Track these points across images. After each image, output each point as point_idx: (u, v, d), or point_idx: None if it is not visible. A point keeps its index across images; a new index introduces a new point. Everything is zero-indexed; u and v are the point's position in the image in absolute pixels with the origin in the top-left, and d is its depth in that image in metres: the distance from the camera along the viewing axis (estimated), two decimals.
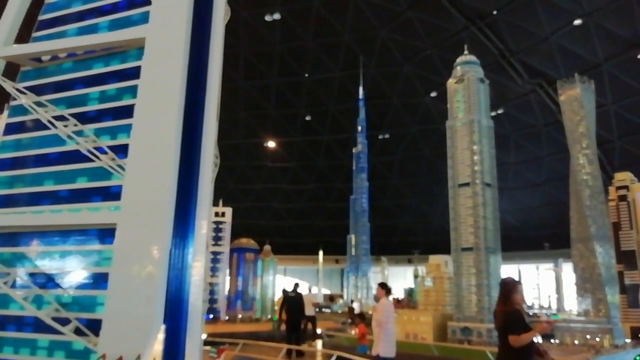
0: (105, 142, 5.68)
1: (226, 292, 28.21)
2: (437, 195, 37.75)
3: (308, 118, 45.84)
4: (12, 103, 6.16)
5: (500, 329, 5.69)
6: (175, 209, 5.25)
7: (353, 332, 16.96)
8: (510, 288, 5.73)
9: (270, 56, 41.48)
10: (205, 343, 6.35)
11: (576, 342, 17.98)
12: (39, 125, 5.93)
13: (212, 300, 25.69)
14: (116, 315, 4.96)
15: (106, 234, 5.36)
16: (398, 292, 40.64)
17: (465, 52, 22.96)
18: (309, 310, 17.32)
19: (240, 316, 27.59)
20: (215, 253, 26.49)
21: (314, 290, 41.33)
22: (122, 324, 4.91)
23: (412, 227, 47.83)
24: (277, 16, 35.34)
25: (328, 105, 44.79)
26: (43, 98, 5.99)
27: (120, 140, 5.65)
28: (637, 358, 14.82)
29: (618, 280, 20.75)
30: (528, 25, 32.47)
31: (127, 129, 5.60)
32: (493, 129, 21.49)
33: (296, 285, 15.06)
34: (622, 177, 22.56)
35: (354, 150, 39.18)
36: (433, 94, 38.83)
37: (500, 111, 36.06)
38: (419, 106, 42.38)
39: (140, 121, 5.53)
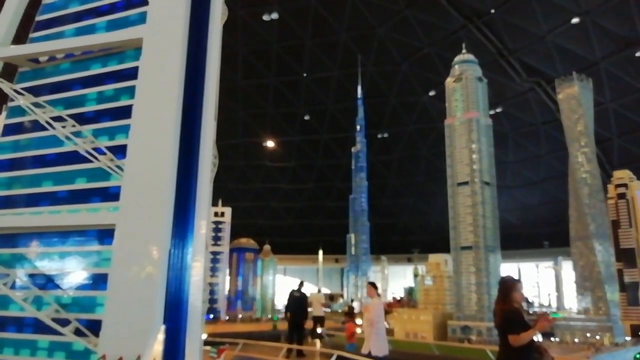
0: (104, 142, 5.67)
1: (226, 292, 28.19)
2: (436, 194, 37.80)
3: (307, 117, 45.83)
4: (10, 104, 6.15)
5: (500, 328, 5.71)
6: (174, 209, 5.25)
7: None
8: (509, 286, 5.74)
9: (268, 55, 41.47)
10: (206, 343, 6.35)
11: (576, 340, 18.00)
12: (37, 126, 5.92)
13: (212, 300, 25.68)
14: (116, 315, 4.97)
15: (105, 234, 5.36)
16: (398, 291, 40.72)
17: (463, 50, 22.97)
18: (318, 311, 17.39)
19: (240, 316, 27.59)
20: (214, 253, 26.48)
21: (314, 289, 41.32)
22: (122, 324, 4.91)
23: (412, 226, 47.87)
24: (274, 15, 35.32)
25: (327, 104, 44.80)
26: (41, 99, 5.98)
27: (119, 140, 5.64)
28: (637, 356, 14.82)
29: (618, 278, 20.77)
30: (526, 23, 32.51)
31: (125, 129, 5.60)
32: (492, 127, 21.50)
33: (301, 284, 15.10)
34: (621, 175, 22.57)
35: (352, 149, 39.19)
36: (431, 93, 38.86)
37: (498, 110, 36.09)
38: (417, 105, 42.41)
39: (139, 122, 5.53)
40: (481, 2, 32.49)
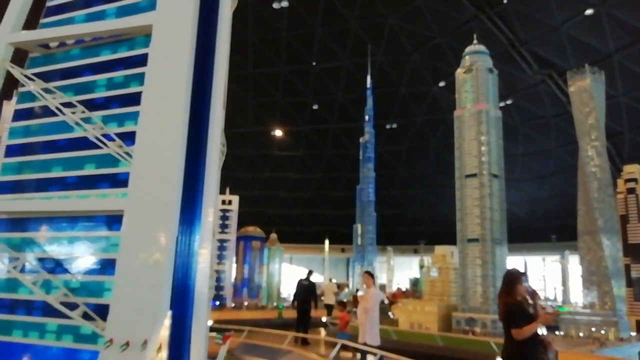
0: (113, 129, 5.71)
1: (232, 280, 28.43)
2: (444, 185, 37.65)
3: (316, 107, 45.68)
4: (21, 89, 6.20)
5: (504, 321, 5.72)
6: (182, 196, 5.29)
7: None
8: (513, 279, 5.73)
9: (278, 44, 41.26)
10: (211, 329, 6.43)
11: (581, 334, 17.97)
12: (47, 111, 5.97)
13: (218, 288, 25.91)
14: (123, 300, 5.04)
15: (114, 220, 5.41)
16: (403, 282, 40.81)
17: (475, 41, 22.72)
18: (330, 299, 17.56)
19: (246, 303, 27.83)
20: (221, 241, 26.66)
21: (320, 278, 41.57)
22: (129, 309, 4.98)
23: (419, 218, 47.79)
24: (284, 3, 35.09)
25: (336, 94, 44.59)
26: (51, 85, 6.02)
27: (128, 127, 5.68)
28: None
29: (624, 273, 20.66)
30: (539, 14, 32.01)
31: (134, 116, 5.62)
32: (501, 119, 21.32)
33: (309, 272, 15.31)
34: (631, 169, 22.35)
35: (361, 139, 39.06)
36: (441, 84, 38.50)
37: (509, 102, 35.73)
38: (426, 96, 42.09)
39: (148, 108, 5.55)
40: None
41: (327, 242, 42.73)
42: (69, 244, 5.58)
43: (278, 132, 47.79)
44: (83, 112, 5.78)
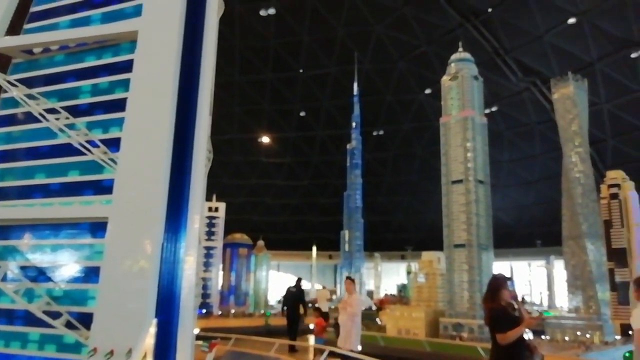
0: (97, 135, 5.64)
1: (219, 287, 28.20)
2: (430, 192, 37.88)
3: (302, 114, 45.75)
4: (3, 95, 6.11)
5: (489, 326, 5.75)
6: (167, 203, 5.24)
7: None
8: (498, 284, 5.76)
9: (265, 51, 41.34)
10: (198, 338, 6.35)
11: (566, 338, 18.15)
12: (30, 118, 5.88)
13: (205, 295, 25.70)
14: (108, 308, 4.95)
15: (98, 227, 5.34)
16: (391, 289, 40.86)
17: (460, 49, 23.03)
18: (323, 306, 17.47)
19: (233, 311, 27.62)
20: (208, 248, 26.47)
21: (307, 285, 41.40)
22: (113, 317, 4.90)
23: (406, 224, 47.98)
24: (272, 11, 35.22)
25: (322, 101, 44.73)
26: (34, 91, 5.94)
27: (112, 133, 5.62)
28: (627, 355, 14.96)
29: (609, 278, 20.95)
30: (523, 23, 32.57)
31: (119, 122, 5.57)
32: (487, 126, 21.59)
33: (299, 280, 15.22)
34: (614, 175, 22.77)
35: (348, 146, 39.18)
36: (427, 91, 38.88)
37: (494, 109, 36.19)
38: (413, 103, 42.45)
39: (133, 115, 5.50)
40: (478, 1, 32.52)
41: (314, 248, 42.68)
42: (52, 251, 5.48)
43: (265, 139, 47.75)
44: (67, 118, 5.70)
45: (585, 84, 22.85)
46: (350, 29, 38.64)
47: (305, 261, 45.74)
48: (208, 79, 5.82)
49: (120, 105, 5.61)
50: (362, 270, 36.24)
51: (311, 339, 15.00)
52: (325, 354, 9.39)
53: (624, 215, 21.72)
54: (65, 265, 5.40)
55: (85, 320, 5.02)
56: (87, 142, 5.55)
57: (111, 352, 4.60)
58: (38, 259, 5.48)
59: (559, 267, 29.49)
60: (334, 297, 39.75)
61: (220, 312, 26.91)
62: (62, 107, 5.78)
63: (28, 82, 6.04)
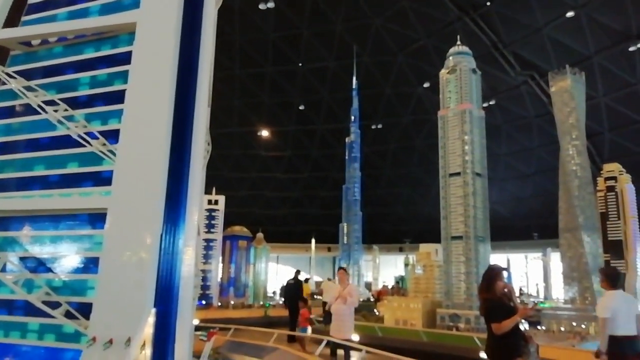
0: (96, 127, 5.68)
1: (219, 279, 28.33)
2: (428, 185, 37.97)
3: (302, 107, 45.69)
4: (2, 87, 6.13)
5: (484, 316, 5.83)
6: (166, 194, 5.28)
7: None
8: (494, 275, 5.84)
9: (265, 45, 41.21)
10: (197, 328, 6.43)
11: (562, 329, 18.31)
12: (29, 110, 5.91)
13: (204, 287, 25.81)
14: (107, 298, 5.02)
15: (97, 218, 5.39)
16: (389, 280, 41.09)
17: (458, 42, 22.98)
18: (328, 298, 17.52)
19: (232, 302, 27.76)
20: (208, 240, 26.55)
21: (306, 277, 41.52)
22: (112, 307, 4.96)
23: (405, 217, 48.11)
24: (271, 4, 35.03)
25: (322, 94, 44.67)
26: (33, 83, 5.96)
27: (111, 125, 5.65)
28: None
29: None
30: (521, 16, 32.49)
31: (118, 114, 5.61)
32: (484, 119, 21.61)
33: (297, 272, 15.48)
34: (611, 168, 22.83)
35: (347, 139, 39.21)
36: (426, 85, 38.83)
37: (492, 102, 36.18)
38: (411, 96, 42.41)
39: (131, 106, 5.54)
40: None
41: (313, 241, 42.81)
42: (52, 242, 5.54)
43: (265, 133, 47.71)
44: (66, 110, 5.74)
45: (583, 78, 22.86)
46: (349, 23, 38.51)
47: (305, 254, 45.89)
48: (206, 70, 5.86)
49: (119, 97, 5.64)
50: (360, 262, 36.40)
51: (309, 329, 15.12)
52: (324, 343, 9.50)
53: (620, 208, 21.83)
54: (65, 256, 5.46)
55: (85, 310, 5.08)
56: (86, 133, 5.59)
57: (110, 342, 4.67)
58: (37, 249, 5.54)
59: (556, 259, 29.65)
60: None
61: (219, 304, 27.07)
62: (61, 99, 5.82)
63: (26, 74, 6.07)
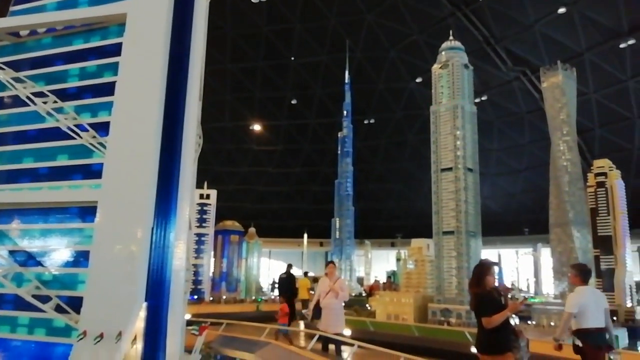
0: (86, 119, 5.63)
1: (211, 274, 28.26)
2: (420, 180, 38.07)
3: (294, 102, 45.57)
4: None
5: (474, 311, 5.87)
6: (157, 188, 5.25)
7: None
8: (484, 270, 5.88)
9: (257, 39, 40.99)
10: (189, 323, 6.41)
11: (552, 323, 18.46)
12: (17, 101, 5.84)
13: (196, 282, 25.75)
14: (97, 292, 4.99)
15: (87, 212, 5.35)
16: (381, 275, 41.25)
17: (451, 38, 22.99)
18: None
19: (224, 297, 27.73)
20: (199, 235, 26.45)
21: (299, 272, 41.58)
22: (103, 301, 4.94)
23: (397, 212, 48.27)
24: None
25: (314, 89, 44.57)
26: (21, 74, 5.89)
27: (101, 117, 5.60)
28: None
29: (594, 265, 21.29)
30: (513, 12, 32.59)
31: (108, 106, 5.55)
32: (476, 115, 21.66)
33: (289, 266, 15.53)
34: (601, 164, 23.01)
35: (339, 134, 39.18)
36: (418, 80, 38.87)
37: (484, 98, 36.32)
38: (404, 91, 42.45)
39: (122, 99, 5.49)
40: None
41: (305, 236, 42.82)
42: (41, 236, 5.49)
43: (256, 127, 47.56)
44: (55, 102, 5.68)
45: (574, 74, 22.97)
46: (342, 17, 38.39)
47: (297, 248, 45.90)
48: (198, 62, 5.81)
49: (109, 89, 5.59)
50: (352, 257, 36.47)
51: (301, 324, 15.16)
52: (315, 338, 9.52)
53: (610, 204, 22.03)
54: (55, 249, 5.41)
55: (75, 304, 5.05)
56: (76, 126, 5.54)
57: (101, 336, 4.64)
58: (27, 243, 5.49)
59: (546, 255, 29.92)
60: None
61: (211, 298, 27.01)
62: (50, 91, 5.75)
63: (15, 65, 5.99)
